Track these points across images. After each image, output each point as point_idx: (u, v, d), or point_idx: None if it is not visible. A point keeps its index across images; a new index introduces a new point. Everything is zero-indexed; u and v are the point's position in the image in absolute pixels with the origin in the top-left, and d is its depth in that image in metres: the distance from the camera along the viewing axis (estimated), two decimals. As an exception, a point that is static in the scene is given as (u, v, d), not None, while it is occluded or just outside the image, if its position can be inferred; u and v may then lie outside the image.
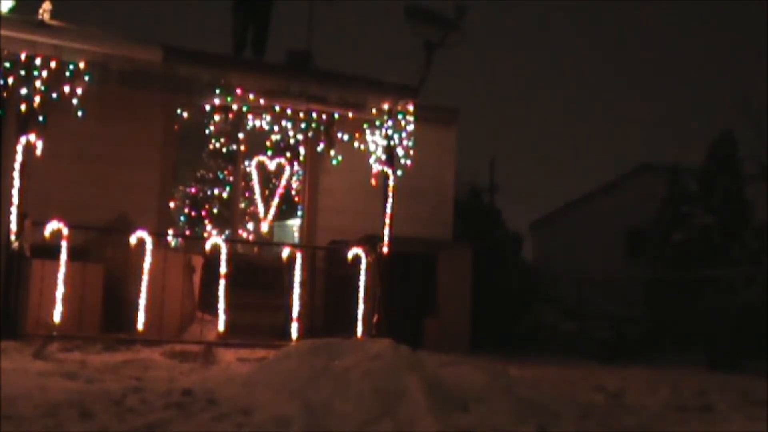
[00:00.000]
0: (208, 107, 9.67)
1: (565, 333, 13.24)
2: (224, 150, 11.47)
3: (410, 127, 10.12)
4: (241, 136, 10.53)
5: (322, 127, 10.09)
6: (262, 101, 9.63)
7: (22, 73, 8.32)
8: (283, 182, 10.85)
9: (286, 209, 11.41)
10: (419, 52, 10.62)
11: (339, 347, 5.80)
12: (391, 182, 9.80)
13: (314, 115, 9.92)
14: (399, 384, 5.03)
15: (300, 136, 10.42)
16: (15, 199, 8.18)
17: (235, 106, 9.65)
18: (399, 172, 10.02)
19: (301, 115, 9.92)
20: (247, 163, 10.87)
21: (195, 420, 4.67)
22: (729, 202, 16.34)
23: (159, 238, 9.01)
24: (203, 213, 12.02)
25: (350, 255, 9.35)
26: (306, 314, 9.28)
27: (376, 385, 5.00)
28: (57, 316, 7.93)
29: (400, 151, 10.11)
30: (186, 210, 11.93)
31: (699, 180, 17.00)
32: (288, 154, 10.91)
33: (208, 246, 8.88)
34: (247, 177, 10.93)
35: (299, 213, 11.15)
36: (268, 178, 10.96)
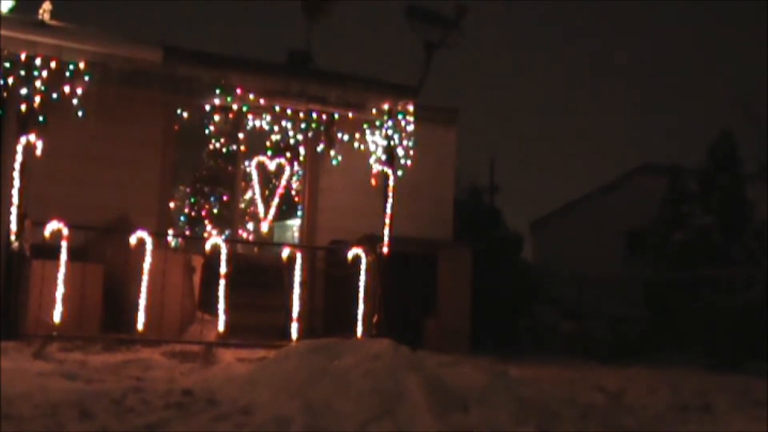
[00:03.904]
0: (208, 107, 9.68)
1: (565, 333, 13.22)
2: (224, 150, 11.48)
3: (410, 128, 10.13)
4: (241, 136, 10.54)
5: (322, 127, 10.09)
6: (262, 101, 9.63)
7: (22, 73, 8.33)
8: (283, 182, 10.85)
9: (286, 209, 11.42)
10: (419, 52, 10.64)
11: (339, 347, 5.80)
12: (391, 182, 9.80)
13: (314, 115, 9.92)
14: (399, 384, 5.03)
15: (300, 136, 10.42)
16: (15, 199, 8.18)
17: (235, 106, 9.65)
18: (399, 172, 10.02)
19: (301, 115, 9.92)
20: (247, 163, 10.87)
21: (195, 420, 4.67)
22: (729, 202, 16.34)
23: (159, 238, 9.02)
24: (203, 213, 12.02)
25: (350, 255, 9.35)
26: (306, 314, 9.29)
27: (376, 385, 5.00)
28: (57, 316, 7.93)
29: (400, 151, 10.12)
30: (186, 210, 11.93)
31: (699, 180, 17.00)
32: (288, 154, 10.92)
33: (208, 246, 8.89)
34: (247, 177, 10.93)
35: (299, 213, 11.15)
36: (268, 178, 10.96)
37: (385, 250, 9.57)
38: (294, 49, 11.60)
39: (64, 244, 8.07)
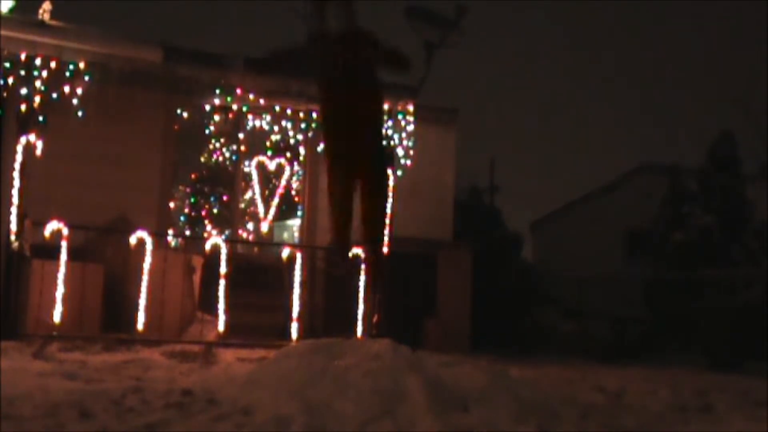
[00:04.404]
0: (208, 107, 9.68)
1: (565, 333, 13.23)
2: (224, 150, 11.48)
3: (410, 128, 10.14)
4: (241, 136, 10.54)
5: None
6: (262, 101, 9.64)
7: (22, 73, 8.35)
8: (283, 182, 10.85)
9: (286, 209, 11.42)
10: (419, 52, 10.62)
11: (339, 347, 5.79)
12: (391, 182, 9.80)
13: (314, 115, 9.93)
14: (399, 384, 5.02)
15: (300, 136, 10.42)
16: (15, 199, 8.19)
17: (235, 106, 9.65)
18: (399, 172, 10.02)
19: (301, 115, 9.93)
20: (247, 163, 10.87)
21: (195, 420, 4.66)
22: (729, 202, 16.35)
23: (159, 238, 9.02)
24: (203, 213, 12.02)
25: (350, 255, 9.34)
26: (306, 314, 9.29)
27: (376, 385, 4.99)
28: (57, 316, 7.93)
29: (400, 151, 10.12)
30: (186, 210, 11.93)
31: (699, 180, 17.01)
32: (288, 154, 10.92)
33: (208, 246, 8.89)
34: (247, 177, 10.93)
35: (299, 213, 11.15)
36: (268, 178, 10.96)
37: (385, 250, 9.57)
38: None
39: (64, 244, 8.07)
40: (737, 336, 10.81)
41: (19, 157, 8.25)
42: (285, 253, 9.23)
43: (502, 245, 14.34)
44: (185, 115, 9.83)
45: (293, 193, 11.29)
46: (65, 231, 8.11)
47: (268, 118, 10.05)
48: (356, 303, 9.28)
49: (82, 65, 8.58)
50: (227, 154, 11.44)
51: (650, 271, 16.45)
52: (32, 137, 8.26)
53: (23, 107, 8.36)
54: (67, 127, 8.75)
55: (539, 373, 8.14)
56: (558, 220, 24.40)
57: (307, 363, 5.48)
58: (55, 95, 8.49)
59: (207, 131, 10.27)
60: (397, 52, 6.26)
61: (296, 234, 11.41)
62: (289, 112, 9.90)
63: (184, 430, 4.48)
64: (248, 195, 11.33)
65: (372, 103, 6.29)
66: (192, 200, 12.03)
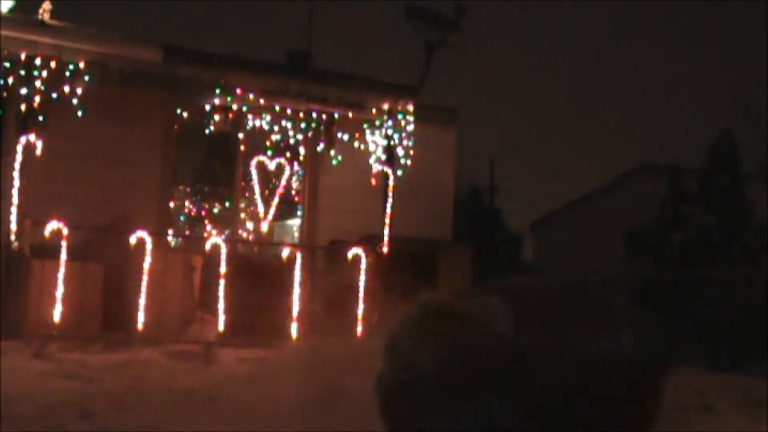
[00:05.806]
0: (208, 107, 9.68)
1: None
2: (224, 150, 11.47)
3: (410, 127, 10.14)
4: (241, 136, 10.53)
5: (322, 127, 10.09)
6: (262, 101, 9.64)
7: (22, 73, 8.34)
8: (283, 182, 10.84)
9: (286, 209, 11.41)
10: (419, 52, 10.62)
11: (339, 347, 5.80)
12: (391, 182, 9.80)
13: (314, 115, 9.93)
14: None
15: (300, 136, 10.42)
16: (15, 199, 8.19)
17: (235, 106, 9.65)
18: (399, 172, 10.03)
19: (301, 115, 9.93)
20: (247, 163, 10.87)
21: (195, 420, 4.67)
22: (729, 202, 16.34)
23: (159, 238, 9.02)
24: (203, 213, 12.01)
25: (350, 255, 9.36)
26: (306, 314, 9.28)
27: (376, 385, 5.00)
28: (57, 316, 7.93)
29: (400, 151, 10.13)
30: (186, 210, 11.92)
31: (699, 180, 17.00)
32: (288, 154, 10.91)
33: (208, 246, 8.89)
34: (247, 177, 10.92)
35: (299, 213, 11.14)
36: (268, 178, 10.95)
37: (385, 250, 9.57)
38: (293, 49, 11.61)
39: (64, 244, 8.08)
40: (737, 336, 10.80)
41: (19, 157, 8.25)
42: (285, 253, 9.23)
43: (502, 245, 14.34)
44: (185, 115, 9.82)
45: (293, 193, 11.29)
46: (65, 231, 8.12)
47: (268, 118, 10.05)
48: (356, 303, 9.28)
49: (82, 65, 8.57)
50: (227, 154, 11.43)
51: (650, 271, 16.44)
52: (32, 137, 8.25)
53: (23, 107, 8.36)
54: (67, 127, 8.75)
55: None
56: (558, 220, 24.37)
57: (306, 363, 5.49)
58: (55, 95, 8.48)
59: (207, 131, 10.27)
60: None
61: (296, 234, 11.40)
62: (289, 112, 9.90)
63: (184, 430, 4.49)
64: (248, 195, 11.33)
65: None
66: (192, 200, 12.02)
